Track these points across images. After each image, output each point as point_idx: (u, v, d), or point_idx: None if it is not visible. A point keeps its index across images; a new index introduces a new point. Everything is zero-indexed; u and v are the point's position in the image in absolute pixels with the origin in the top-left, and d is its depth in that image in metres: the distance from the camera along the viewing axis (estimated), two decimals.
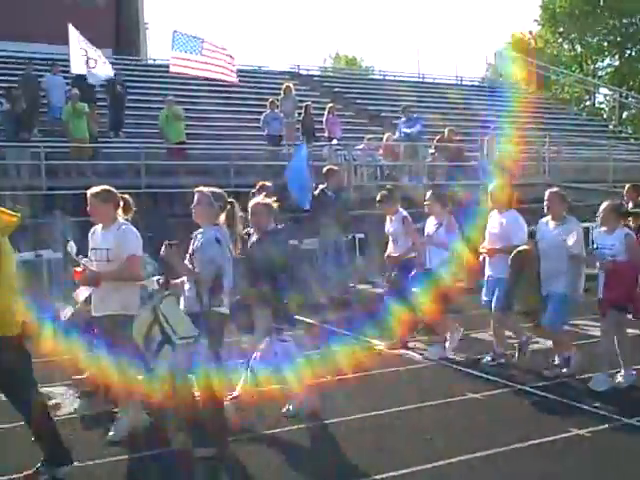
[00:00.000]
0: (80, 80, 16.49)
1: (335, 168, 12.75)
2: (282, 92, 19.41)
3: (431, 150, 19.48)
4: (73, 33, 15.16)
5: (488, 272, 8.22)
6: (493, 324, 8.36)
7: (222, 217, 5.94)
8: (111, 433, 6.10)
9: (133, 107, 19.20)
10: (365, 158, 18.09)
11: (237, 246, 6.02)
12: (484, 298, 8.30)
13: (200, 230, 5.93)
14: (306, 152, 13.52)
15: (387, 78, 29.92)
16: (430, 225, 8.79)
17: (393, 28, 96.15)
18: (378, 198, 9.22)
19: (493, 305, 8.15)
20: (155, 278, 6.26)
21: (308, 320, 11.02)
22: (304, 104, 19.45)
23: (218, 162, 16.83)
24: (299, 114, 19.43)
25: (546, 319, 7.62)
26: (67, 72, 16.76)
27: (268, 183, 11.01)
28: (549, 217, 7.73)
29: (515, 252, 7.66)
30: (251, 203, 6.77)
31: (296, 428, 6.40)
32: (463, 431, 6.32)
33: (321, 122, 19.54)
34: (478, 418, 6.63)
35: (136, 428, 6.13)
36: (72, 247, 6.09)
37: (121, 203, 6.17)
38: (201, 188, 5.95)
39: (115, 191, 6.14)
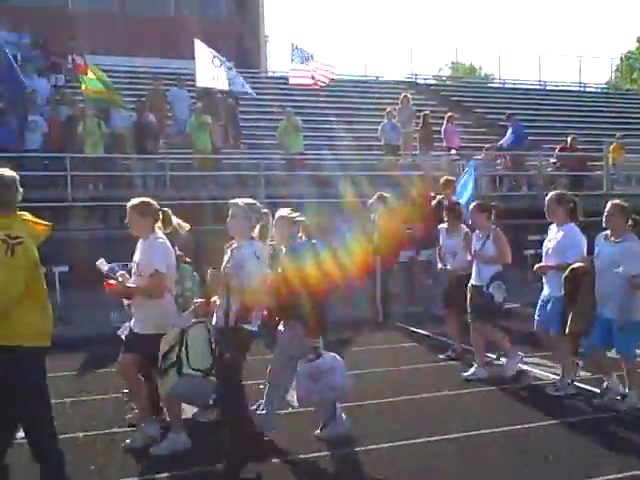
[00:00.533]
0: (204, 93, 17.02)
1: (452, 179, 12.56)
2: (399, 102, 19.36)
3: (552, 159, 18.93)
4: (200, 48, 15.64)
5: (544, 290, 7.66)
6: (548, 348, 7.88)
7: (256, 230, 5.63)
8: (128, 440, 6.07)
9: (254, 119, 19.59)
10: (484, 168, 17.74)
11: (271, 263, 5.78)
12: (536, 317, 7.72)
13: (234, 244, 5.62)
14: (473, 168, 13.67)
15: (507, 86, 29.32)
16: (475, 240, 8.32)
17: (514, 35, 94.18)
18: (445, 212, 9.21)
19: (544, 326, 7.60)
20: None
21: (423, 332, 10.93)
22: (422, 113, 19.31)
23: (335, 172, 16.90)
24: (416, 124, 19.30)
25: (618, 347, 6.98)
26: (192, 85, 17.35)
27: (386, 193, 10.98)
28: (608, 232, 7.11)
29: (568, 270, 7.10)
30: (275, 216, 6.29)
31: (329, 454, 6.05)
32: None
33: (438, 132, 19.34)
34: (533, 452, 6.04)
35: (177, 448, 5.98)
36: (102, 263, 6.05)
37: (160, 217, 6.05)
38: (236, 200, 5.64)
39: (155, 204, 6.01)
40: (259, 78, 23.18)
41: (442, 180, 12.26)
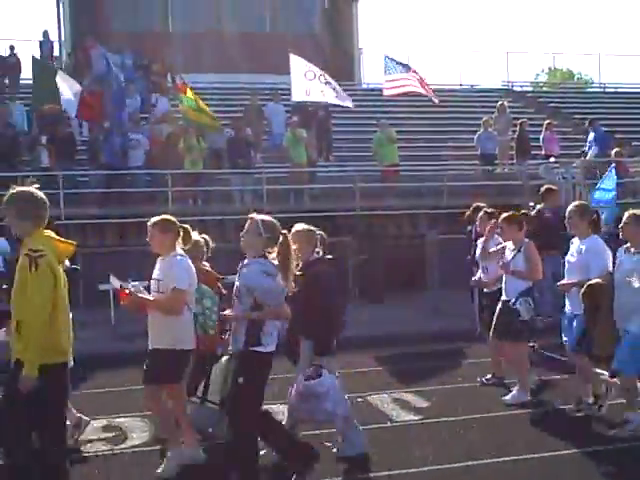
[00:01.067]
0: (299, 107, 17.22)
1: (553, 187, 12.20)
2: (496, 110, 19.06)
3: None
4: (295, 62, 15.83)
5: (567, 307, 7.20)
6: (577, 369, 7.39)
7: (275, 250, 5.38)
8: (159, 470, 5.91)
9: (348, 131, 19.67)
10: (584, 175, 17.22)
11: (289, 282, 5.35)
12: (563, 338, 7.29)
13: (246, 262, 5.45)
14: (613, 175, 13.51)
15: (607, 90, 28.41)
16: (507, 251, 7.88)
17: (614, 37, 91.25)
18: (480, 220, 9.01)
19: (569, 346, 7.20)
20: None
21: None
22: (519, 121, 18.93)
23: (431, 183, 16.80)
24: (513, 132, 18.94)
25: (616, 363, 6.53)
26: (288, 100, 17.58)
27: (482, 204, 10.79)
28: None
29: (585, 286, 6.67)
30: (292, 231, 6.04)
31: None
32: None
33: (536, 139, 18.90)
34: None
35: (190, 464, 5.90)
36: (113, 280, 5.94)
37: (181, 233, 5.96)
38: (252, 215, 5.45)
39: (175, 221, 5.94)
40: (354, 90, 23.24)
41: (543, 189, 11.93)
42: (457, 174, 17.32)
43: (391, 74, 16.70)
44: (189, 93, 15.62)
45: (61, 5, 22.73)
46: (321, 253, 6.33)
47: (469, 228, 10.98)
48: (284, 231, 5.44)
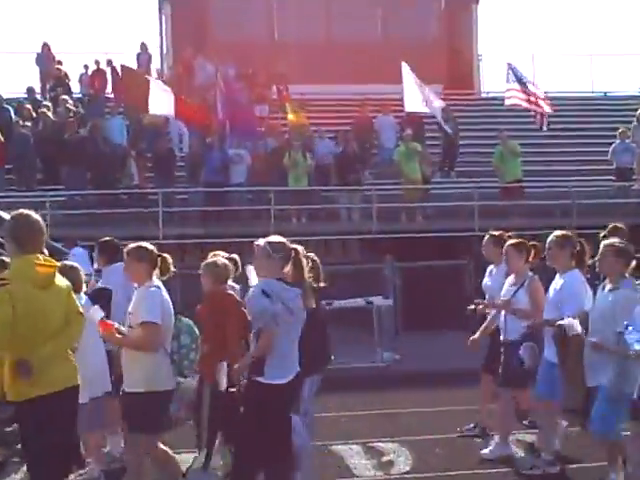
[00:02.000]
0: (412, 119, 17.08)
1: None
2: (635, 119, 18.30)
3: None
4: (407, 71, 15.73)
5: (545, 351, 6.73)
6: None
7: (287, 268, 5.46)
8: None
9: (466, 144, 19.35)
10: None
11: (307, 299, 5.47)
12: (538, 387, 6.79)
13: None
14: None
15: None
16: (507, 285, 7.29)
17: None
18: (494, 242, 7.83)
19: (535, 393, 6.79)
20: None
21: None
22: None
23: (558, 201, 16.29)
24: None
25: (594, 425, 6.01)
26: (400, 111, 17.48)
27: (620, 225, 10.28)
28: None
29: (556, 326, 6.26)
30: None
31: None
32: None
33: None
34: None
35: None
36: (96, 311, 5.77)
37: (158, 263, 5.87)
38: (259, 241, 5.53)
39: (152, 249, 5.84)
40: (473, 100, 22.90)
41: None
42: (588, 191, 16.69)
43: (513, 83, 16.47)
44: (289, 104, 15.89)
45: (163, 17, 23.43)
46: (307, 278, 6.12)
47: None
48: (294, 246, 5.55)
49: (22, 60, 21.97)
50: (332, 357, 6.86)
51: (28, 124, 16.31)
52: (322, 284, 6.53)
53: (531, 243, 7.27)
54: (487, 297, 7.80)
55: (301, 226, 15.49)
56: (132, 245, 5.89)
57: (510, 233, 7.70)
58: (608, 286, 6.03)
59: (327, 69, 21.41)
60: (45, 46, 20.56)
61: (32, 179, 16.17)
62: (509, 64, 16.70)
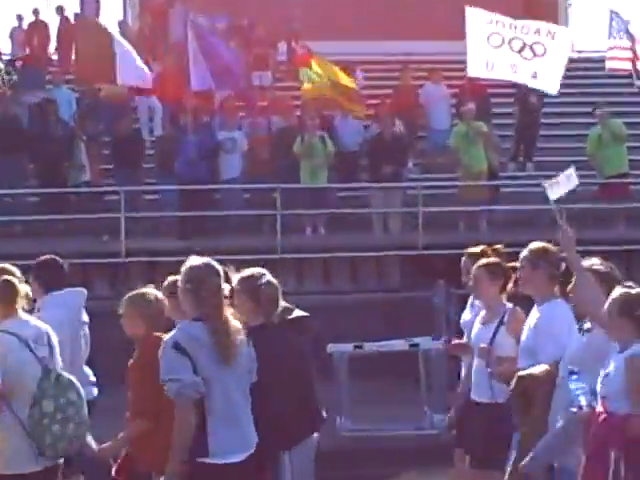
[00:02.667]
0: (474, 89, 17.08)
1: None
2: None
3: None
4: (474, 18, 15.68)
5: None
6: None
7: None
8: None
9: (548, 125, 19.29)
10: None
11: (227, 349, 5.50)
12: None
13: None
14: None
15: None
16: (478, 324, 7.30)
17: None
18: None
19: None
20: None
21: None
22: None
23: None
24: None
25: None
26: (455, 78, 17.49)
27: None
28: None
29: (515, 378, 6.33)
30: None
31: None
32: None
33: None
34: None
35: None
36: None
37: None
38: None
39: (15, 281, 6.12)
40: None
41: None
42: None
43: (619, 39, 16.40)
44: (315, 66, 15.80)
45: None
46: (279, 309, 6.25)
47: None
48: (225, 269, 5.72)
49: None
50: (324, 416, 6.64)
51: None
52: (299, 313, 6.49)
53: (510, 265, 7.23)
54: (465, 337, 7.81)
55: (318, 238, 15.48)
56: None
57: (499, 246, 7.77)
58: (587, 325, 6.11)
59: (352, 20, 21.46)
60: None
61: None
62: (612, 11, 16.63)
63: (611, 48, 16.79)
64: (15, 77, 18.04)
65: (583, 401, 5.71)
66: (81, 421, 5.99)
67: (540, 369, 6.30)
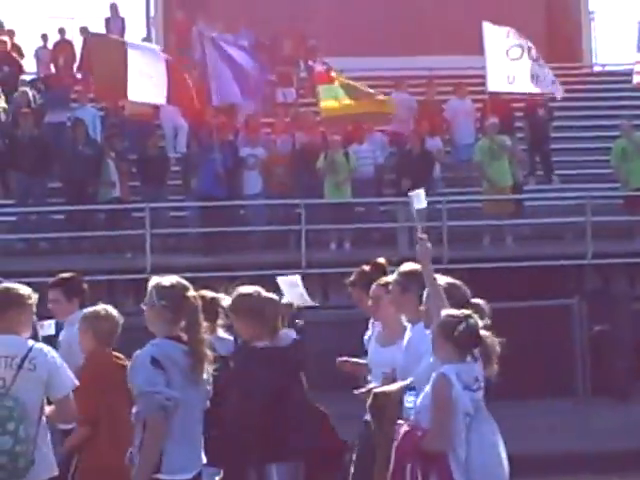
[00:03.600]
0: (498, 104, 17.12)
1: None
2: None
3: None
4: (492, 34, 15.72)
5: None
6: None
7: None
8: None
9: (571, 138, 19.25)
10: None
11: (198, 364, 5.53)
12: None
13: None
14: None
15: None
16: (375, 344, 7.14)
17: None
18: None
19: None
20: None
21: None
22: None
23: None
24: None
25: None
26: (479, 93, 17.57)
27: None
28: None
29: (372, 394, 6.39)
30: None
31: None
32: None
33: None
34: None
35: None
36: None
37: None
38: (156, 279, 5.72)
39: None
40: (581, 76, 22.80)
41: None
42: None
43: None
44: (337, 83, 15.86)
45: None
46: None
47: None
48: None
49: None
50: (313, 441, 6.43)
51: None
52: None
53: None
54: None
55: (343, 253, 15.48)
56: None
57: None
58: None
59: (376, 36, 21.50)
60: None
61: None
62: None
63: (638, 62, 16.71)
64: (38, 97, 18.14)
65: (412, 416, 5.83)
66: (18, 438, 5.88)
67: (394, 386, 6.37)
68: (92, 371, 6.63)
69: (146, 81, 14.78)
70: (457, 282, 6.50)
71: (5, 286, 6.25)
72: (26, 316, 6.12)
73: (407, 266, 6.70)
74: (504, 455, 5.89)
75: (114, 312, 6.84)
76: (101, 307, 6.88)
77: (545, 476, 8.14)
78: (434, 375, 5.72)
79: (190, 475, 5.51)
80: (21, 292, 6.12)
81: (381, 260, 7.63)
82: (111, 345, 6.77)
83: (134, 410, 5.51)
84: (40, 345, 6.19)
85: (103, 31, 20.56)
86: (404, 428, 5.77)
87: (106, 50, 15.77)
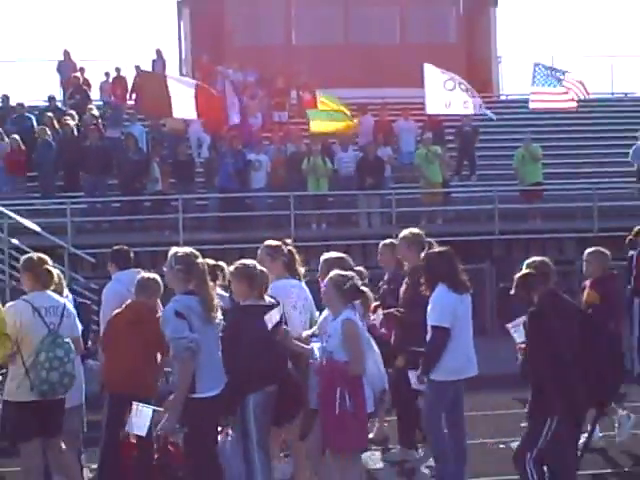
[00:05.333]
0: (433, 123, 17.11)
1: None
2: None
3: None
4: (430, 72, 15.71)
5: None
6: None
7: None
8: None
9: (486, 147, 19.31)
10: None
11: (210, 310, 5.57)
12: None
13: None
14: None
15: None
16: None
17: None
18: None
19: None
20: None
21: None
22: None
23: (579, 204, 16.20)
24: None
25: None
26: (420, 115, 17.57)
27: None
28: None
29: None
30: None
31: None
32: None
33: None
34: None
35: None
36: None
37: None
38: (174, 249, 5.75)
39: (36, 258, 6.18)
40: (492, 102, 22.73)
41: None
42: (610, 193, 16.60)
43: (541, 86, 16.25)
44: (321, 106, 15.86)
45: (182, 23, 23.50)
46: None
47: (631, 253, 10.49)
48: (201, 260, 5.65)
49: (43, 68, 22.10)
50: (289, 371, 6.17)
51: (49, 132, 16.45)
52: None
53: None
54: None
55: (321, 231, 15.51)
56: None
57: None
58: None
59: (345, 73, 21.44)
60: (66, 54, 20.78)
61: (53, 186, 16.35)
62: (536, 64, 16.48)
63: (533, 93, 16.67)
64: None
65: (317, 354, 5.84)
66: (64, 372, 6.00)
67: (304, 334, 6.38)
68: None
69: (183, 102, 14.78)
70: (343, 255, 6.71)
71: (28, 257, 6.36)
72: (43, 277, 6.16)
73: (269, 242, 6.72)
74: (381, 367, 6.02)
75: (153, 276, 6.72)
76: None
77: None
78: (339, 321, 5.66)
79: (217, 391, 5.54)
80: (34, 260, 6.21)
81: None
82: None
83: (170, 352, 5.54)
84: (65, 300, 6.34)
85: (150, 69, 20.43)
86: (323, 363, 5.69)
87: (152, 82, 15.76)
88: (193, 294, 5.53)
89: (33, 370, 5.90)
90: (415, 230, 7.22)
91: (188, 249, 5.73)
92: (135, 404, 5.81)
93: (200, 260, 5.66)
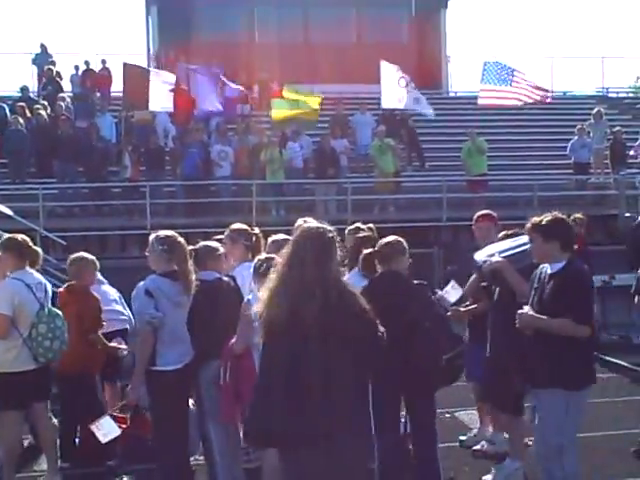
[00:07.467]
0: (387, 116, 17.13)
1: None
2: (592, 117, 18.44)
3: None
4: (386, 69, 15.75)
5: None
6: None
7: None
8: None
9: (435, 140, 19.41)
10: None
11: (187, 289, 5.54)
12: None
13: None
14: None
15: None
16: None
17: None
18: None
19: None
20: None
21: (621, 362, 10.25)
22: (614, 129, 18.29)
23: (520, 193, 16.37)
24: (608, 140, 18.29)
25: None
26: (375, 109, 17.59)
27: (579, 215, 10.43)
28: None
29: None
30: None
31: None
32: None
33: (631, 148, 18.19)
34: None
35: None
36: None
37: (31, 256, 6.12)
38: (155, 233, 5.73)
39: (21, 240, 6.07)
40: (442, 99, 22.93)
41: None
42: (549, 184, 16.80)
43: (490, 84, 16.35)
44: (286, 94, 15.87)
45: (150, 19, 23.24)
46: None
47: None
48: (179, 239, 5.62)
49: (17, 60, 21.80)
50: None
51: (22, 121, 16.16)
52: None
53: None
54: None
55: (280, 218, 15.48)
56: (5, 237, 6.28)
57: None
58: None
59: (305, 70, 21.37)
60: (42, 47, 20.52)
61: (25, 172, 16.08)
62: (486, 63, 16.52)
63: (482, 90, 16.76)
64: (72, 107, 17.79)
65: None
66: (63, 340, 6.08)
67: None
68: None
69: (160, 95, 15.03)
70: (288, 237, 5.96)
71: (10, 237, 6.25)
72: (31, 256, 6.13)
73: (234, 225, 6.45)
74: None
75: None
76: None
77: None
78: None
79: (179, 366, 5.48)
80: (19, 240, 6.11)
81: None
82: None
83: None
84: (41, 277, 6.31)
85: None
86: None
87: (135, 75, 15.58)
88: (170, 276, 5.52)
89: (34, 341, 5.94)
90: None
91: (169, 232, 5.73)
92: (94, 425, 5.87)
93: (181, 240, 5.66)
